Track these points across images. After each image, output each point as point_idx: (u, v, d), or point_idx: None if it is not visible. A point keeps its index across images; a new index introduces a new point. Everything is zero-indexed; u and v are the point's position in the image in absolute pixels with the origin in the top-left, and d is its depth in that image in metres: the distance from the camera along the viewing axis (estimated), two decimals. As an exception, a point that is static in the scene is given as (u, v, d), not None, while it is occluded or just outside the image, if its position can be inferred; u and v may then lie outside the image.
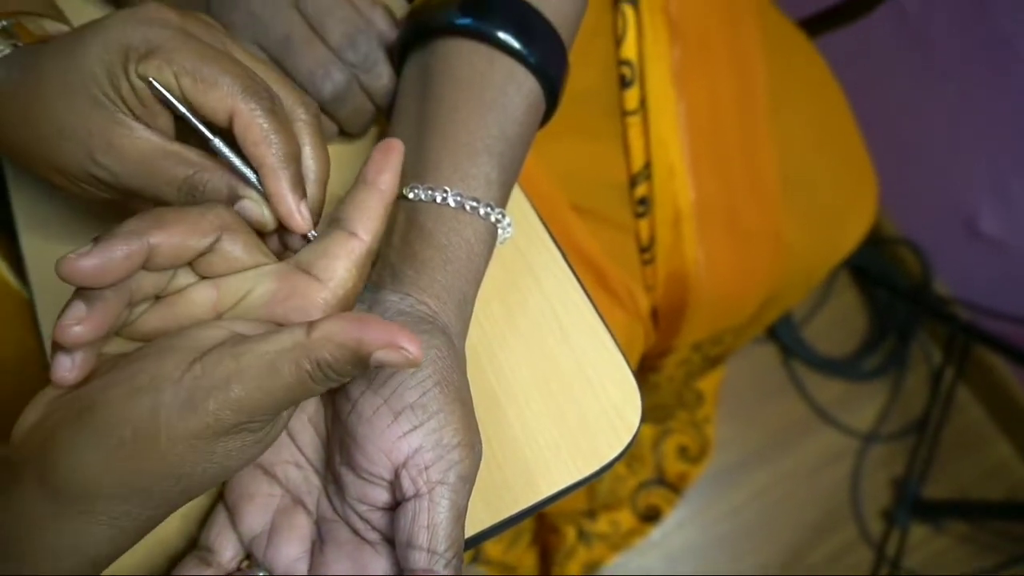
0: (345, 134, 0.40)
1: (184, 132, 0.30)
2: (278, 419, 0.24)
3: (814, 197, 0.67)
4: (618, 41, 0.59)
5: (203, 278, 0.27)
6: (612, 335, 0.36)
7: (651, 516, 1.15)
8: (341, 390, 0.28)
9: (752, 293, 0.69)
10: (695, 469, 1.17)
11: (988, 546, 1.14)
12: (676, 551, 1.14)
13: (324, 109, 0.38)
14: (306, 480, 0.29)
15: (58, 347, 0.23)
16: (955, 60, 0.98)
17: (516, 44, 0.33)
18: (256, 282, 0.27)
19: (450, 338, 0.29)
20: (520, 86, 0.34)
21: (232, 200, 0.29)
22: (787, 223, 0.66)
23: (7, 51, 0.31)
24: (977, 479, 1.20)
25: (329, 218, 0.29)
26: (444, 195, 0.31)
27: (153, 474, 0.22)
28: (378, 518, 0.27)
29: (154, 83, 0.27)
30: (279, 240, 0.31)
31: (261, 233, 0.30)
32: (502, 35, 0.33)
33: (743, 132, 0.63)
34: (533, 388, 0.35)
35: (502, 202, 0.33)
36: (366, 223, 0.28)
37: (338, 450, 0.28)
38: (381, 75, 0.38)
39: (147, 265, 0.24)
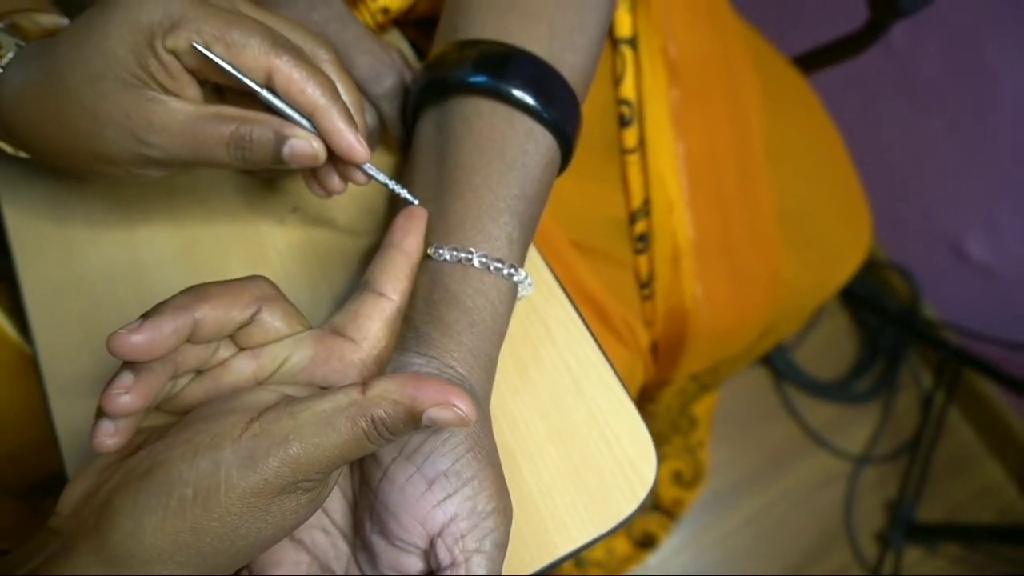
0: None
1: (218, 94, 0.32)
2: (328, 479, 0.25)
3: (810, 233, 0.68)
4: (617, 81, 0.60)
5: (242, 349, 0.28)
6: (626, 389, 0.36)
7: (647, 543, 1.14)
8: (371, 456, 0.28)
9: (749, 326, 0.70)
10: (690, 494, 1.17)
11: (981, 567, 1.15)
12: (672, 577, 1.14)
13: None
14: (334, 546, 0.29)
15: (102, 414, 0.24)
16: (943, 91, 1.00)
17: (535, 104, 0.33)
18: (293, 348, 0.28)
19: (479, 401, 0.29)
20: (539, 145, 0.34)
21: (280, 142, 0.30)
22: (783, 258, 0.67)
23: (12, 53, 0.31)
24: (969, 500, 1.21)
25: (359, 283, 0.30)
26: (469, 256, 0.31)
27: (210, 534, 0.22)
28: None
29: (201, 49, 0.28)
30: (337, 178, 0.33)
31: (313, 171, 0.32)
32: (521, 95, 0.33)
33: (740, 171, 0.64)
34: (548, 443, 0.35)
35: (522, 261, 0.34)
36: (394, 283, 0.29)
37: (368, 517, 0.28)
38: (398, 107, 0.39)
39: (192, 338, 0.25)
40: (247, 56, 0.29)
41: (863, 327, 1.31)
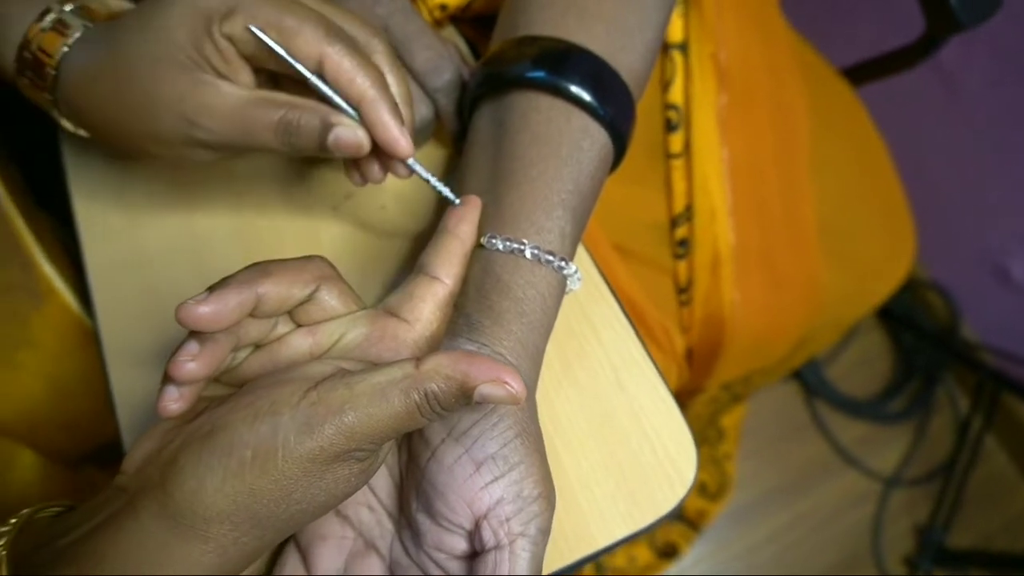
0: None
1: (271, 81, 0.33)
2: (380, 451, 0.25)
3: (851, 245, 0.67)
4: (665, 85, 0.60)
5: (299, 326, 0.29)
6: (668, 387, 0.36)
7: (669, 552, 1.13)
8: (419, 436, 0.29)
9: (785, 337, 0.70)
10: (714, 507, 1.16)
11: (1010, 597, 1.12)
12: (693, 588, 1.13)
13: None
14: (379, 523, 0.29)
15: (168, 380, 0.25)
16: (990, 108, 0.99)
17: (592, 100, 0.34)
18: (348, 327, 0.29)
19: (528, 386, 0.30)
20: (594, 141, 0.34)
21: (326, 129, 0.30)
22: (823, 270, 0.66)
23: (79, 33, 0.32)
24: (1000, 529, 1.18)
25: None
26: (521, 247, 0.32)
27: (267, 497, 0.23)
28: (455, 566, 0.27)
29: (257, 32, 0.29)
30: (378, 169, 0.34)
31: (356, 160, 0.33)
32: (578, 90, 0.33)
33: (783, 179, 0.64)
34: (589, 438, 0.35)
35: (572, 255, 0.34)
36: (448, 268, 0.30)
37: (415, 496, 0.28)
38: (454, 100, 0.40)
39: (254, 313, 0.26)
40: (300, 42, 0.29)
41: (899, 345, 1.29)
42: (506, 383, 0.24)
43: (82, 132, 0.35)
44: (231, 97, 0.30)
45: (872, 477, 1.21)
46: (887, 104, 0.89)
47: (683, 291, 0.64)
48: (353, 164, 0.35)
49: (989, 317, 1.19)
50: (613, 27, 0.36)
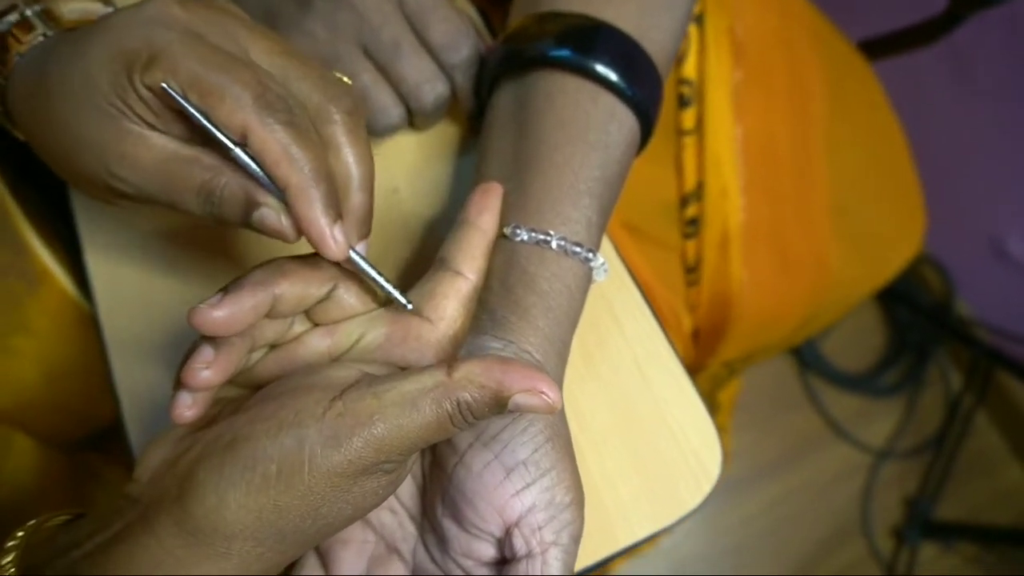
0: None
1: (203, 137, 0.27)
2: (407, 461, 0.24)
3: (862, 225, 0.66)
4: (679, 60, 0.58)
5: (316, 325, 0.27)
6: (692, 380, 0.35)
7: (662, 524, 1.15)
8: (446, 440, 0.27)
9: (791, 316, 0.69)
10: (708, 479, 1.17)
11: (995, 568, 1.15)
12: (684, 559, 1.14)
13: (416, 112, 0.38)
14: (401, 527, 0.28)
15: (181, 386, 0.24)
16: (997, 87, 0.97)
17: (621, 82, 0.32)
18: (368, 327, 0.27)
19: None
20: (621, 125, 0.33)
21: (250, 207, 0.26)
22: (833, 249, 0.65)
23: (36, 41, 0.29)
24: (988, 502, 1.21)
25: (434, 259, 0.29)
26: (547, 239, 0.30)
27: (292, 512, 0.21)
28: (483, 572, 0.26)
29: (171, 92, 0.25)
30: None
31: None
32: (605, 71, 0.32)
33: (796, 157, 0.63)
34: (613, 434, 0.34)
35: (599, 245, 0.33)
36: (470, 262, 0.29)
37: (441, 501, 0.27)
38: (471, 77, 0.38)
39: (270, 313, 0.25)
40: (222, 109, 0.25)
41: (893, 320, 1.30)
42: (542, 392, 0.23)
43: None
44: (155, 150, 0.26)
45: (863, 450, 1.22)
46: (892, 76, 0.88)
47: (691, 271, 0.63)
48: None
49: (985, 294, 1.19)
50: (642, 5, 0.34)
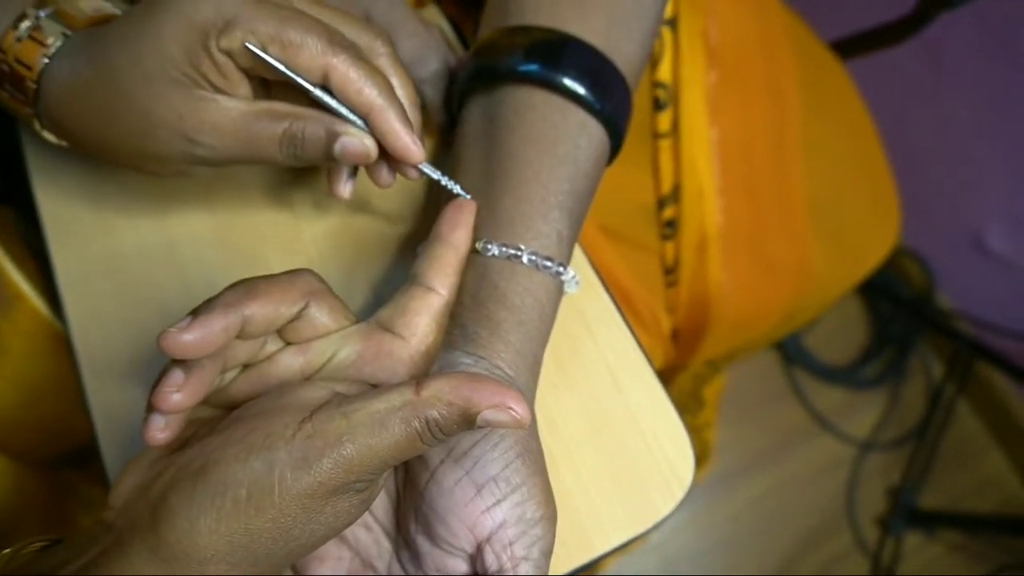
0: None
1: (273, 90, 0.32)
2: (379, 480, 0.25)
3: (839, 222, 0.67)
4: (653, 63, 0.58)
5: (288, 344, 0.27)
6: (665, 388, 0.36)
7: (650, 520, 1.15)
8: (417, 456, 0.28)
9: (771, 315, 0.70)
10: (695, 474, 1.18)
11: (979, 555, 1.16)
12: (673, 555, 1.15)
13: None
14: (376, 543, 0.28)
15: (153, 409, 0.24)
16: (970, 82, 0.98)
17: (589, 96, 0.32)
18: (340, 344, 0.27)
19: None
20: (591, 138, 0.33)
21: (332, 139, 0.29)
22: (812, 248, 0.66)
23: (59, 42, 0.30)
24: (971, 490, 1.22)
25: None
26: (518, 253, 0.30)
27: (264, 535, 0.22)
28: None
29: (256, 51, 0.27)
30: (387, 172, 0.32)
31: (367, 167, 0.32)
32: (574, 85, 0.32)
33: (773, 158, 0.63)
34: (586, 441, 0.35)
35: (569, 258, 0.33)
36: (443, 279, 0.29)
37: (414, 517, 0.27)
38: (441, 91, 0.38)
39: (241, 334, 0.25)
40: (303, 56, 0.28)
41: (875, 313, 1.31)
42: (510, 408, 0.23)
43: (65, 143, 0.33)
44: (232, 112, 0.29)
45: (847, 442, 1.23)
46: (869, 73, 0.89)
47: (670, 272, 0.63)
48: (334, 175, 0.33)
49: (965, 286, 1.20)
50: (611, 16, 0.34)
